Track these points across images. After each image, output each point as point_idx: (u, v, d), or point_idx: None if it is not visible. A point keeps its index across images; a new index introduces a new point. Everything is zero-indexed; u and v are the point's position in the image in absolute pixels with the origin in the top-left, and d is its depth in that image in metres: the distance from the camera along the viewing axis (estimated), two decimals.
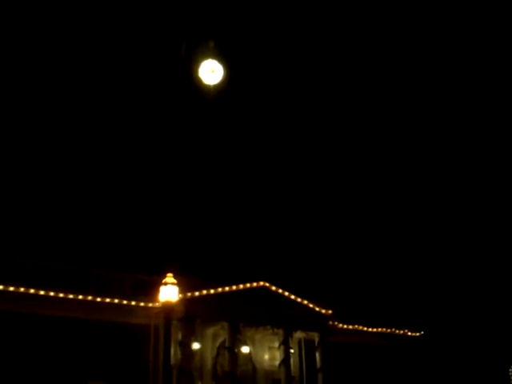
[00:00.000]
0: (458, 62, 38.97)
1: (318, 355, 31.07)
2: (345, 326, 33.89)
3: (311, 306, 30.80)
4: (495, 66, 37.58)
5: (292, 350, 30.96)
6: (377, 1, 35.03)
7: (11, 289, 24.14)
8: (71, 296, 25.43)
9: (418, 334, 37.80)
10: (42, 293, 24.72)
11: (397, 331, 36.71)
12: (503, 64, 36.37)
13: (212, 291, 27.63)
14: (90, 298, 25.85)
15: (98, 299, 26.07)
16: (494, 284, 44.83)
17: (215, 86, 12.32)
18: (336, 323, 32.89)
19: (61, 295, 25.19)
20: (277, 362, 30.22)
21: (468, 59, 38.47)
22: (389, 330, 36.23)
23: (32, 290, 24.53)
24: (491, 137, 42.49)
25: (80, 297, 25.61)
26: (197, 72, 12.12)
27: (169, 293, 21.07)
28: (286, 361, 29.44)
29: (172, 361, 24.53)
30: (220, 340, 29.78)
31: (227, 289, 28.19)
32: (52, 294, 24.98)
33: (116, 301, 26.48)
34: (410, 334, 37.40)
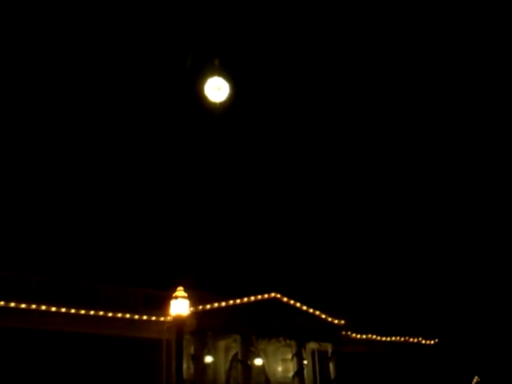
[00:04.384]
0: (458, 62, 38.84)
1: (331, 366, 30.86)
2: (358, 336, 33.64)
3: (323, 316, 30.60)
4: (495, 66, 37.41)
5: (305, 362, 30.73)
6: (377, 1, 35.05)
7: (23, 306, 24.17)
8: (83, 312, 25.43)
9: (432, 341, 37.43)
10: (53, 309, 24.74)
11: (411, 339, 36.37)
12: (503, 64, 36.20)
13: (223, 304, 27.51)
14: (101, 313, 25.82)
15: (110, 314, 26.03)
16: (509, 290, 44.38)
17: (221, 103, 12.33)
18: (349, 333, 32.65)
19: (72, 311, 25.20)
20: (290, 374, 30.02)
21: (468, 59, 38.33)
22: (402, 339, 35.89)
23: (44, 307, 24.54)
24: (491, 137, 42.26)
25: (91, 312, 25.59)
26: (203, 89, 12.15)
27: (180, 306, 20.90)
28: (299, 372, 29.25)
29: (185, 375, 24.32)
30: (232, 353, 29.65)
31: (238, 301, 28.06)
32: (63, 310, 24.98)
33: (127, 316, 26.45)
34: (424, 342, 37.05)
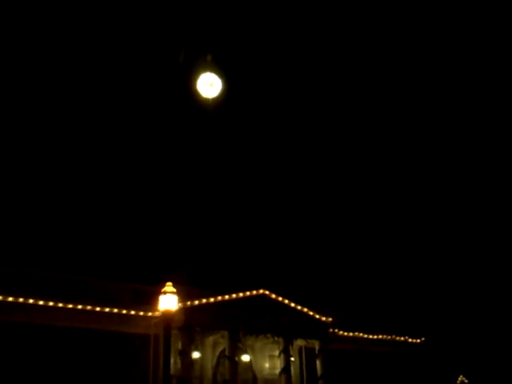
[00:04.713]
0: (458, 62, 38.92)
1: (318, 363, 30.99)
2: (345, 334, 33.81)
3: (311, 313, 30.71)
4: (495, 66, 37.52)
5: (292, 358, 30.84)
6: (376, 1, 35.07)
7: (10, 299, 24.07)
8: (70, 306, 25.33)
9: (418, 340, 37.69)
10: (41, 303, 24.60)
11: (397, 338, 36.62)
12: (503, 64, 36.31)
13: (212, 300, 27.52)
14: (89, 307, 25.74)
15: (98, 309, 25.97)
16: (495, 289, 44.75)
17: (213, 99, 12.30)
18: (336, 331, 32.82)
19: (60, 305, 25.10)
20: (277, 371, 30.11)
21: (468, 59, 38.42)
22: (389, 337, 36.14)
23: (31, 300, 24.40)
24: (491, 137, 42.39)
25: (79, 306, 25.49)
26: (195, 85, 12.11)
27: (168, 302, 20.88)
28: (286, 369, 29.34)
29: (172, 370, 24.29)
30: (220, 349, 29.68)
31: (227, 297, 28.10)
32: (51, 303, 24.87)
33: (115, 310, 26.40)
34: (410, 340, 37.30)
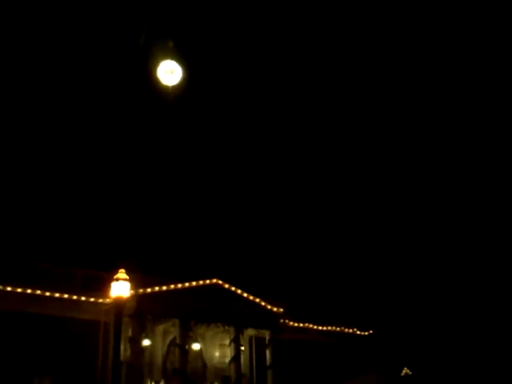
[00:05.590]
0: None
1: (268, 352, 31.37)
2: (295, 324, 34.30)
3: (263, 303, 31.03)
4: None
5: (243, 348, 31.12)
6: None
7: None
8: (19, 290, 24.88)
9: (366, 333, 38.57)
10: None
11: (346, 330, 37.37)
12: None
13: (164, 288, 27.48)
14: (38, 292, 25.34)
15: (47, 293, 25.58)
16: (440, 286, 46.03)
17: (173, 87, 12.24)
18: (287, 321, 33.26)
19: (8, 289, 24.63)
20: (227, 359, 30.37)
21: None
22: (338, 329, 36.85)
23: None
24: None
25: (28, 291, 25.06)
26: (155, 72, 12.02)
27: (120, 289, 20.73)
28: (236, 358, 29.60)
29: (122, 357, 24.23)
30: (171, 337, 29.72)
31: (179, 286, 28.11)
32: (0, 287, 24.42)
33: (65, 296, 26.05)
34: (359, 332, 38.13)
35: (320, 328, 35.68)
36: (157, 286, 27.20)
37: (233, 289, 30.06)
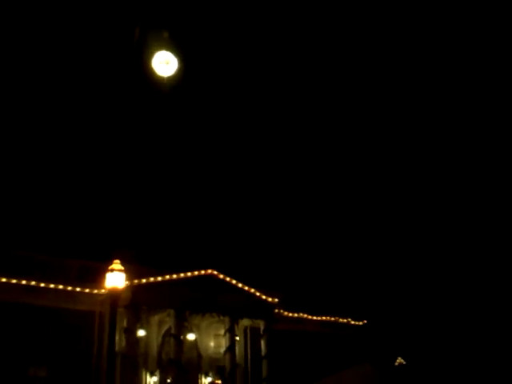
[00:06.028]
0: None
1: (263, 343, 31.49)
2: (290, 314, 34.42)
3: (258, 294, 31.12)
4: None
5: (237, 338, 31.24)
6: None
7: None
8: (14, 281, 24.92)
9: (361, 323, 38.76)
10: None
11: (340, 320, 37.53)
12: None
13: (159, 278, 27.54)
14: (33, 283, 25.38)
15: (42, 284, 25.63)
16: (433, 277, 46.27)
17: (169, 78, 12.19)
18: (282, 311, 33.37)
19: (3, 280, 24.67)
20: (222, 350, 30.47)
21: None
22: (333, 319, 37.02)
23: None
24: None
25: (23, 282, 25.10)
26: (150, 63, 11.97)
27: (115, 279, 20.74)
28: (231, 348, 29.72)
29: (117, 348, 24.33)
30: (166, 327, 29.80)
31: (174, 276, 28.16)
32: None
33: (60, 286, 26.11)
34: (353, 322, 38.31)
35: (315, 318, 35.84)
36: (152, 276, 27.26)
37: (228, 279, 30.14)
